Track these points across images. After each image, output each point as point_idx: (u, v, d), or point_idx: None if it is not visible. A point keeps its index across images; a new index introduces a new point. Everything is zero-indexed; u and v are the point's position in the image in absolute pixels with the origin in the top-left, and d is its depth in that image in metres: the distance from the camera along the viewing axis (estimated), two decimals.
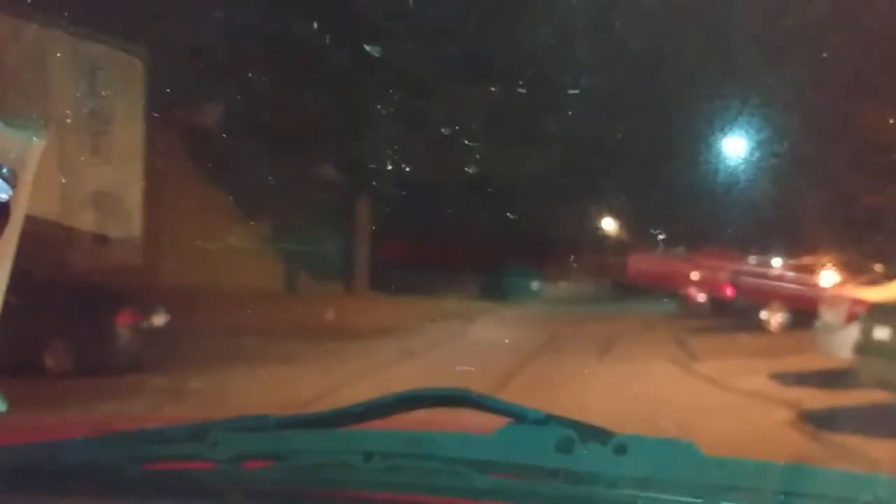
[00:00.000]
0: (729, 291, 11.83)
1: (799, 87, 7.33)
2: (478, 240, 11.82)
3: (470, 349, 9.28)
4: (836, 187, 9.54)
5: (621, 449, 1.07)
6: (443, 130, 10.20)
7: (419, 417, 1.30)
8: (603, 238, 14.96)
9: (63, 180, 1.75)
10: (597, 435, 1.11)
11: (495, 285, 14.01)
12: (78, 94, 1.79)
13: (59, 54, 1.77)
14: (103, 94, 1.81)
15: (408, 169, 9.71)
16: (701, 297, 12.62)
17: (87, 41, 1.79)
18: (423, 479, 1.17)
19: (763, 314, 10.88)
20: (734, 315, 11.51)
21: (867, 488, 1.00)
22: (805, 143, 8.27)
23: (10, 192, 1.56)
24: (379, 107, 10.36)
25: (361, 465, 1.18)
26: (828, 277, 10.43)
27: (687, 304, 12.79)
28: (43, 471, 1.29)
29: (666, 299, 13.32)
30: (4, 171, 1.57)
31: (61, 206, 1.77)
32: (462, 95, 10.26)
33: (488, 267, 13.17)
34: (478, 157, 9.28)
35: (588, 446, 1.09)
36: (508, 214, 10.23)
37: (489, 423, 1.19)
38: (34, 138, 1.65)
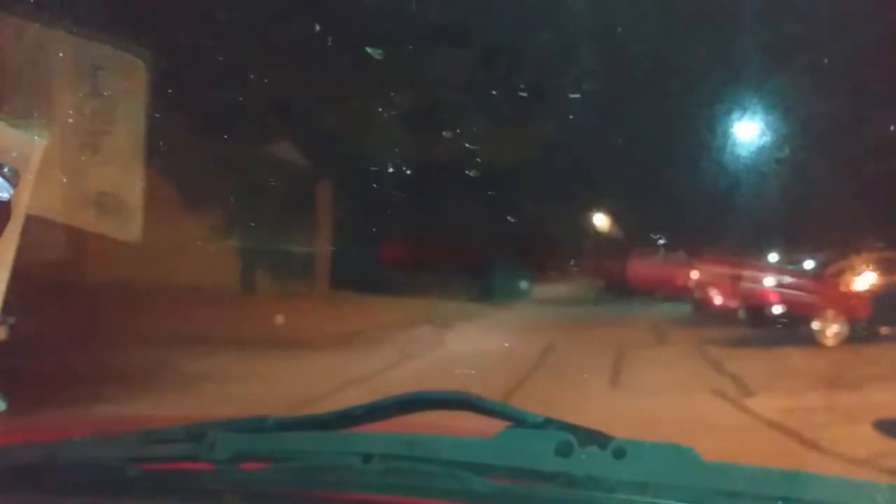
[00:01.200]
0: (772, 297, 9.81)
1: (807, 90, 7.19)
2: (462, 234, 10.41)
3: (442, 368, 7.47)
4: (867, 181, 8.48)
5: (620, 453, 1.07)
6: (420, 110, 8.95)
7: (418, 420, 1.30)
8: (601, 234, 13.48)
9: (64, 180, 1.75)
10: (595, 439, 1.11)
11: (481, 285, 12.26)
12: (80, 94, 1.80)
13: (60, 54, 1.78)
14: (105, 93, 1.81)
15: (380, 153, 8.57)
16: (718, 301, 10.71)
17: (89, 41, 1.80)
18: (421, 481, 1.17)
19: (815, 324, 8.93)
20: (766, 324, 9.39)
21: (865, 495, 1.00)
22: (823, 137, 7.93)
23: (12, 192, 1.56)
24: (345, 82, 8.89)
25: (360, 467, 1.18)
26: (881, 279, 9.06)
27: (702, 308, 11.07)
28: (42, 470, 1.30)
29: (671, 302, 11.85)
30: (6, 170, 1.57)
31: (62, 205, 1.78)
32: (445, 72, 9.09)
33: (473, 264, 11.54)
34: (461, 142, 8.25)
35: (587, 450, 1.09)
36: (495, 206, 9.10)
37: (488, 426, 1.19)
38: (36, 138, 1.65)
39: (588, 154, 9.30)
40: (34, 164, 1.63)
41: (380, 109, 8.98)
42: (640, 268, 11.22)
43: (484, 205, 9.20)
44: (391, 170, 8.50)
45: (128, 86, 1.83)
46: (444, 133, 8.88)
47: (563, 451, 1.09)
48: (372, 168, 8.73)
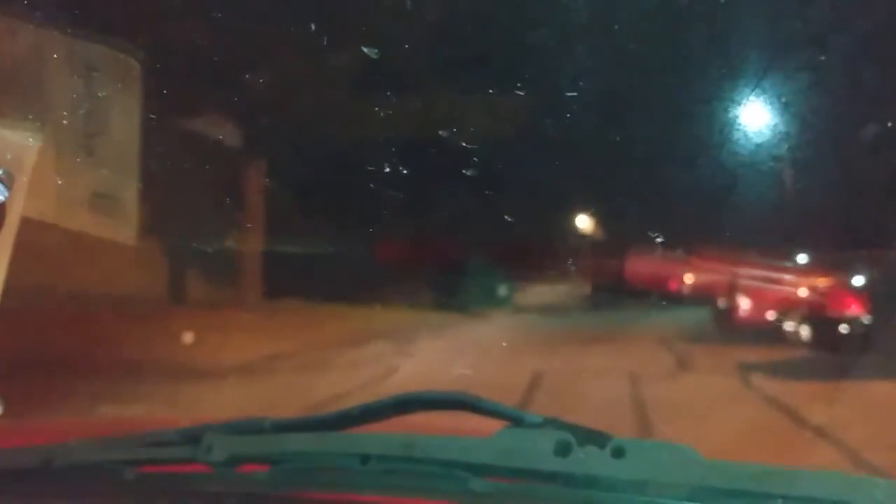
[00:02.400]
0: (854, 306, 7.42)
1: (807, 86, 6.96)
2: (430, 229, 8.85)
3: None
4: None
5: (619, 452, 1.07)
6: (376, 76, 7.30)
7: (416, 421, 1.30)
8: (593, 232, 11.67)
9: (59, 181, 1.75)
10: (594, 438, 1.10)
11: (452, 290, 10.24)
12: (74, 96, 1.79)
13: (55, 56, 1.77)
14: (99, 95, 1.81)
15: (328, 128, 7.30)
16: (745, 309, 8.72)
17: (84, 43, 1.79)
18: (420, 482, 1.17)
19: None
20: (832, 343, 7.01)
21: (865, 492, 1.00)
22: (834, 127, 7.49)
23: (7, 194, 1.56)
24: (288, 48, 7.36)
25: (358, 468, 1.17)
26: None
27: (726, 320, 9.02)
28: (37, 474, 1.29)
29: (679, 309, 10.10)
30: (1, 172, 1.57)
31: (57, 207, 1.77)
32: (408, 34, 7.32)
33: (443, 265, 9.69)
34: (428, 116, 7.05)
35: (586, 450, 1.09)
36: (471, 196, 7.77)
37: (486, 426, 1.19)
38: (31, 140, 1.65)
39: (578, 138, 7.77)
40: (29, 167, 1.62)
41: (326, 75, 7.51)
42: (640, 270, 9.56)
43: (457, 194, 7.86)
44: (342, 150, 7.36)
45: (122, 87, 1.82)
46: (405, 105, 7.45)
47: (562, 450, 1.09)
48: (318, 147, 7.58)
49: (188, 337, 6.65)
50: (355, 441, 1.23)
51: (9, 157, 1.61)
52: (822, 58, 6.59)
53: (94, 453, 1.33)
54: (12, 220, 1.59)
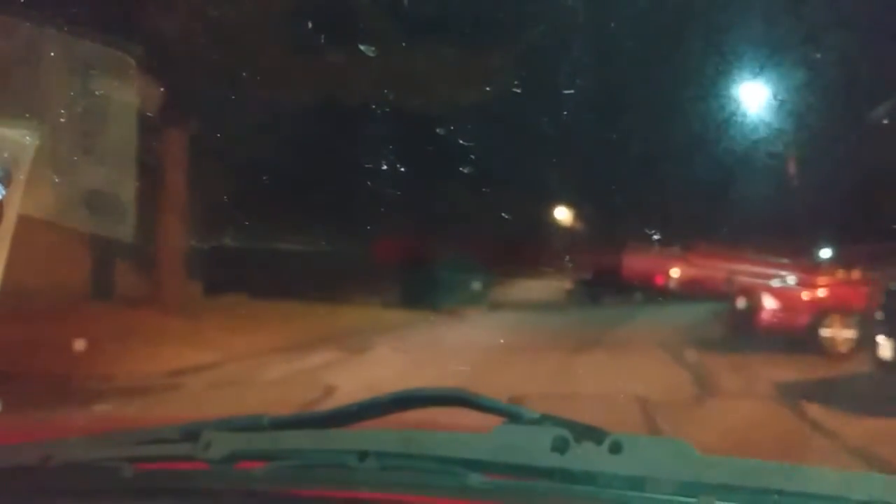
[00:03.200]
0: None
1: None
2: (395, 215, 7.32)
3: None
4: None
5: (616, 448, 1.08)
6: (328, 29, 6.15)
7: (414, 417, 1.30)
8: (579, 222, 10.62)
9: (56, 180, 1.75)
10: (592, 434, 1.11)
11: (420, 284, 8.65)
12: (71, 94, 1.79)
13: (51, 53, 1.77)
14: (97, 93, 1.81)
15: (273, 92, 6.10)
16: (770, 309, 7.40)
17: (80, 40, 1.79)
18: (417, 478, 1.17)
19: None
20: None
21: (862, 488, 1.00)
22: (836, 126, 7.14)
23: (4, 192, 1.56)
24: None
25: (356, 464, 1.18)
26: None
27: (744, 323, 7.62)
28: (35, 470, 1.29)
29: (677, 306, 8.94)
30: None
31: (54, 205, 1.78)
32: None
33: (410, 256, 8.17)
34: (392, 84, 6.08)
35: (583, 446, 1.09)
36: (442, 179, 6.79)
37: (484, 422, 1.19)
38: (27, 138, 1.65)
39: (561, 119, 6.86)
40: (25, 164, 1.62)
41: (262, 24, 6.14)
42: (639, 267, 8.61)
43: (426, 176, 6.83)
44: (290, 115, 6.28)
45: (119, 85, 1.82)
46: (365, 67, 6.19)
47: (559, 446, 1.10)
48: (258, 114, 6.35)
49: (79, 345, 5.32)
50: (353, 438, 1.24)
51: (5, 154, 1.61)
52: (818, 55, 6.59)
53: (92, 450, 1.33)
54: (9, 218, 1.59)
